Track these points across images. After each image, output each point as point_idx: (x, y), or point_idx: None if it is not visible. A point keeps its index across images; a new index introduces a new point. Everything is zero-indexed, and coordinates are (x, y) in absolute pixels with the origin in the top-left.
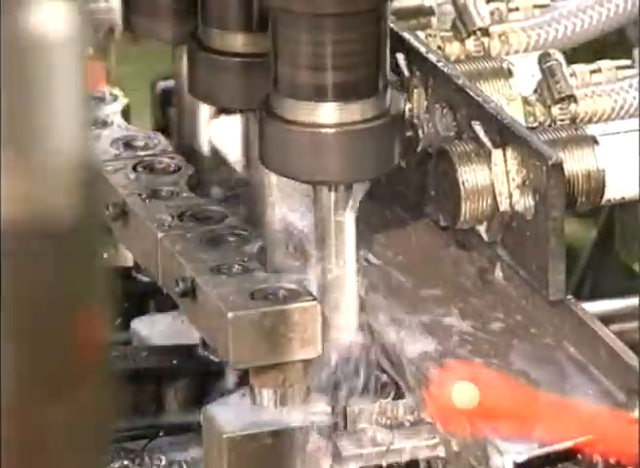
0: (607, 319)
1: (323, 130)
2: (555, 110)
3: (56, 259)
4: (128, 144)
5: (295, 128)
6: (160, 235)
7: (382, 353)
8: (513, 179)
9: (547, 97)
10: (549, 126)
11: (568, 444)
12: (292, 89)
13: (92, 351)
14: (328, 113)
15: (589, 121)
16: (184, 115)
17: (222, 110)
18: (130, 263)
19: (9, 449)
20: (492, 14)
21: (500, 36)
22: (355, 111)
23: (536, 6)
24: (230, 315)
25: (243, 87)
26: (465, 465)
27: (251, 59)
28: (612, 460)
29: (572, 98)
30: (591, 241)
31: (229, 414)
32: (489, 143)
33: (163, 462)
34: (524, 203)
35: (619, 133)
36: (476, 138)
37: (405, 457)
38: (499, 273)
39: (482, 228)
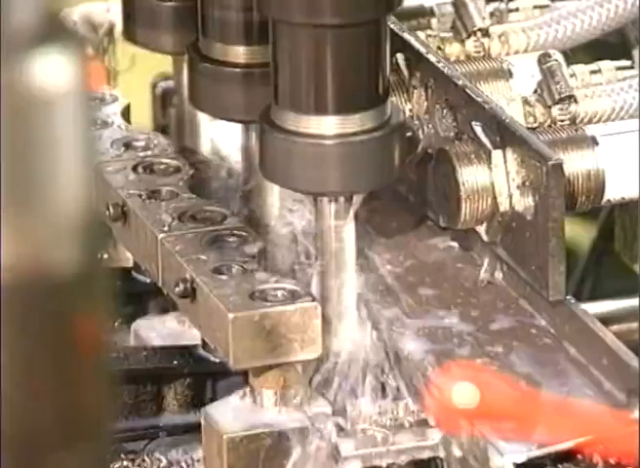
0: (607, 319)
1: (323, 141)
2: (555, 111)
3: (57, 311)
4: (128, 145)
5: (295, 139)
6: (160, 236)
7: (382, 353)
8: (513, 180)
9: (547, 97)
10: (549, 126)
11: (568, 444)
12: (292, 100)
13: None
14: (328, 125)
15: (589, 121)
16: (185, 115)
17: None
18: (130, 264)
19: None
20: (492, 14)
21: (499, 37)
22: (356, 122)
23: (535, 6)
24: (230, 316)
25: (244, 98)
26: (465, 466)
27: (252, 70)
28: (612, 461)
29: (572, 99)
30: (591, 241)
31: (229, 415)
32: (489, 144)
33: (163, 463)
34: (524, 203)
35: (618, 133)
36: (476, 139)
37: (405, 458)
38: (499, 274)
39: (482, 229)
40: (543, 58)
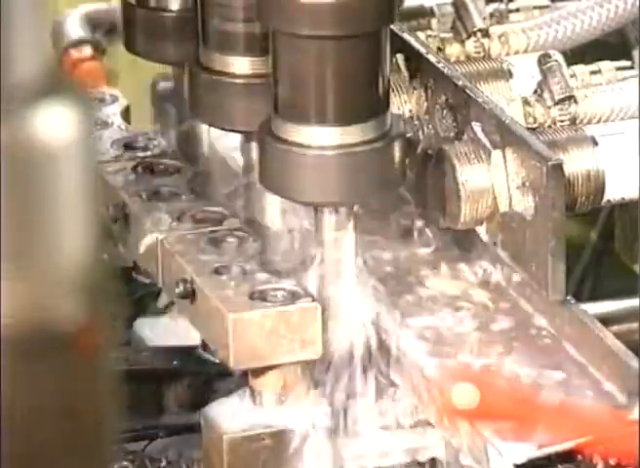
0: (607, 320)
1: (324, 152)
2: (555, 111)
3: (59, 367)
4: (128, 145)
5: (295, 150)
6: (160, 236)
7: (383, 354)
8: (513, 180)
9: (547, 97)
10: (549, 127)
11: (568, 445)
12: (292, 111)
13: None
14: (329, 135)
15: (589, 122)
16: (184, 115)
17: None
18: (130, 264)
19: None
20: (492, 15)
21: (499, 37)
22: (356, 133)
23: (535, 7)
24: (230, 316)
25: (244, 108)
26: (465, 466)
27: (252, 81)
28: (612, 461)
29: (572, 99)
30: (591, 241)
31: (229, 415)
32: (489, 144)
33: (163, 463)
34: (524, 203)
35: (618, 133)
36: (476, 139)
37: (405, 458)
38: (499, 274)
39: (482, 229)
40: (543, 59)
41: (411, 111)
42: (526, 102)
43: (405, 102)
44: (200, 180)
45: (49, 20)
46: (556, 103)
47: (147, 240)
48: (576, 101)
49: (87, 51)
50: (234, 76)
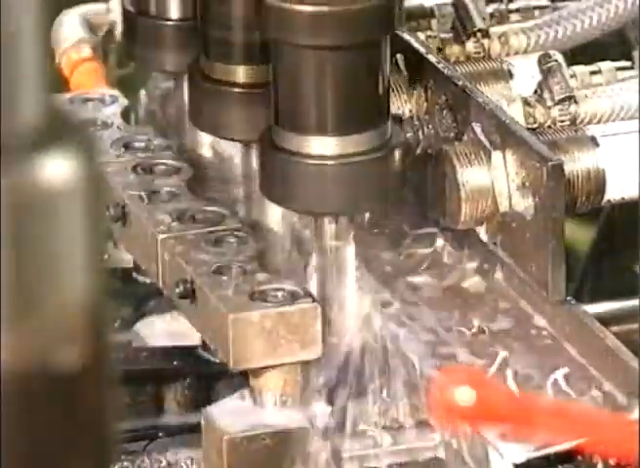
0: (607, 320)
1: (323, 161)
2: (555, 111)
3: (60, 411)
4: (128, 146)
5: (295, 159)
6: (160, 236)
7: (383, 354)
8: (513, 180)
9: (547, 98)
10: (549, 127)
11: (568, 445)
12: (292, 120)
13: None
14: (329, 145)
15: (589, 122)
16: (184, 116)
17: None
18: (130, 265)
19: None
20: (492, 15)
21: (499, 37)
22: (357, 143)
23: (535, 7)
24: (230, 316)
25: (244, 118)
26: (465, 467)
27: (252, 90)
28: (612, 462)
29: (572, 100)
30: (591, 241)
31: (229, 416)
32: (489, 144)
33: (163, 463)
34: (524, 204)
35: (618, 134)
36: (476, 140)
37: (405, 459)
38: (499, 274)
39: (482, 229)
40: (544, 59)
41: (411, 111)
42: (526, 103)
43: (405, 103)
44: (200, 180)
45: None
46: (556, 104)
47: None
48: (576, 102)
49: (86, 51)
50: (234, 85)
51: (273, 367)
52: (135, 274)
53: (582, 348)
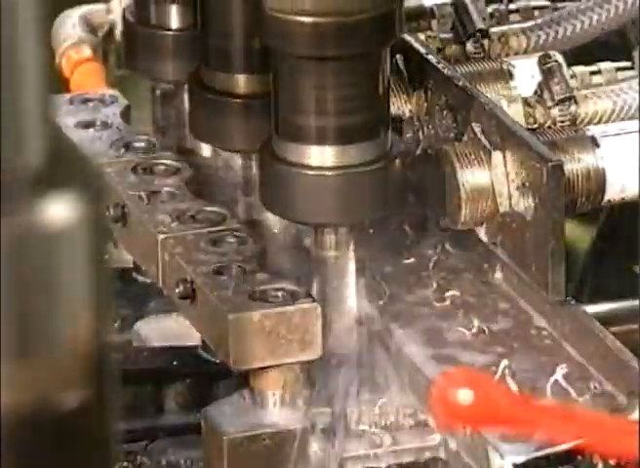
0: (607, 320)
1: (323, 172)
2: (555, 112)
3: (60, 447)
4: (128, 146)
5: (295, 170)
6: (160, 237)
7: (383, 355)
8: (513, 181)
9: (547, 98)
10: (549, 127)
11: (568, 445)
12: (292, 131)
13: None
14: (328, 156)
15: (589, 122)
16: (184, 117)
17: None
18: (130, 265)
19: None
20: (492, 15)
21: (499, 38)
22: (357, 154)
23: (535, 7)
24: (230, 316)
25: (244, 128)
26: (465, 467)
27: (252, 101)
28: (612, 462)
29: (572, 100)
30: (591, 241)
31: (229, 416)
32: (489, 145)
33: (163, 464)
34: (524, 204)
35: (618, 134)
36: (476, 140)
37: (405, 459)
38: (499, 274)
39: (482, 229)
40: (544, 59)
41: (411, 112)
42: (526, 103)
43: (405, 103)
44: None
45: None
46: (556, 104)
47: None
48: (576, 102)
49: (86, 51)
50: (234, 95)
51: (273, 367)
52: (135, 274)
53: (582, 348)
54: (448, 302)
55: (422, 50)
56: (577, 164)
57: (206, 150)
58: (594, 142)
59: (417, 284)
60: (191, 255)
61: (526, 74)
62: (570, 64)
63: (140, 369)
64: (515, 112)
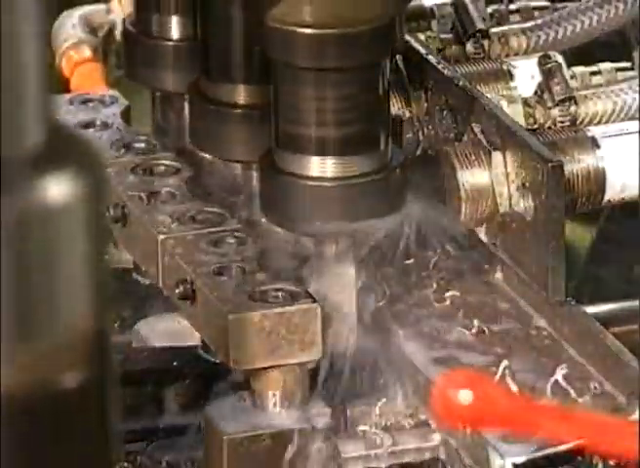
0: (607, 321)
1: (323, 183)
2: (555, 112)
3: (60, 429)
4: (128, 146)
5: (295, 181)
6: (160, 237)
7: (383, 355)
8: (513, 181)
9: (547, 98)
10: (549, 128)
11: (568, 446)
12: (292, 142)
13: None
14: (328, 167)
15: (589, 123)
16: (184, 117)
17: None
18: (130, 265)
19: None
20: (492, 16)
21: (499, 38)
22: (357, 165)
23: (535, 8)
24: (230, 317)
25: (244, 139)
26: (465, 467)
27: (252, 111)
28: (612, 462)
29: (572, 100)
30: (591, 241)
31: (229, 416)
32: (489, 145)
33: (163, 464)
34: (524, 204)
35: (618, 134)
36: (476, 140)
37: (405, 459)
38: (499, 274)
39: (482, 230)
40: (544, 60)
41: (411, 112)
42: (526, 103)
43: (405, 104)
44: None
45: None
46: (556, 104)
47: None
48: (576, 102)
49: (86, 52)
50: (234, 106)
51: (273, 367)
52: (135, 274)
53: (582, 349)
54: (448, 303)
55: (422, 50)
56: (577, 164)
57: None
58: (594, 143)
59: (417, 284)
60: (191, 256)
61: (526, 74)
62: (570, 65)
63: (140, 369)
64: (515, 112)
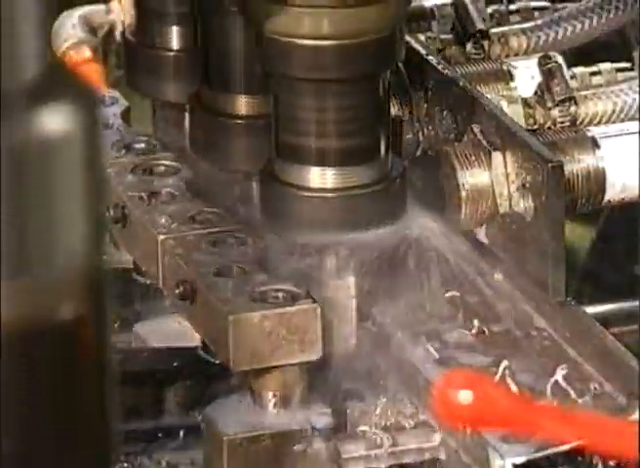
0: (607, 321)
1: (323, 194)
2: (555, 112)
3: (57, 361)
4: (128, 147)
5: (295, 192)
6: (160, 237)
7: (383, 355)
8: (513, 182)
9: (547, 99)
10: (549, 128)
11: (568, 446)
12: (292, 153)
13: None
14: (328, 178)
15: (589, 123)
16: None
17: None
18: (130, 265)
19: None
20: (492, 16)
21: (499, 39)
22: (357, 175)
23: (535, 8)
24: (230, 317)
25: (244, 149)
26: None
27: (253, 121)
28: (612, 463)
29: (572, 101)
30: (591, 242)
31: (229, 416)
32: (489, 146)
33: (163, 464)
34: (524, 205)
35: (618, 134)
36: (476, 141)
37: (405, 460)
38: (499, 274)
39: (482, 230)
40: (544, 60)
41: (411, 113)
42: (526, 104)
43: (405, 104)
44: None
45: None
46: (556, 105)
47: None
48: (576, 103)
49: (86, 52)
50: (235, 116)
51: (273, 368)
52: (135, 275)
53: (582, 349)
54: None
55: (423, 51)
56: (577, 164)
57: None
58: (594, 143)
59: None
60: (191, 256)
61: (526, 75)
62: (570, 65)
63: (140, 370)
64: (515, 113)
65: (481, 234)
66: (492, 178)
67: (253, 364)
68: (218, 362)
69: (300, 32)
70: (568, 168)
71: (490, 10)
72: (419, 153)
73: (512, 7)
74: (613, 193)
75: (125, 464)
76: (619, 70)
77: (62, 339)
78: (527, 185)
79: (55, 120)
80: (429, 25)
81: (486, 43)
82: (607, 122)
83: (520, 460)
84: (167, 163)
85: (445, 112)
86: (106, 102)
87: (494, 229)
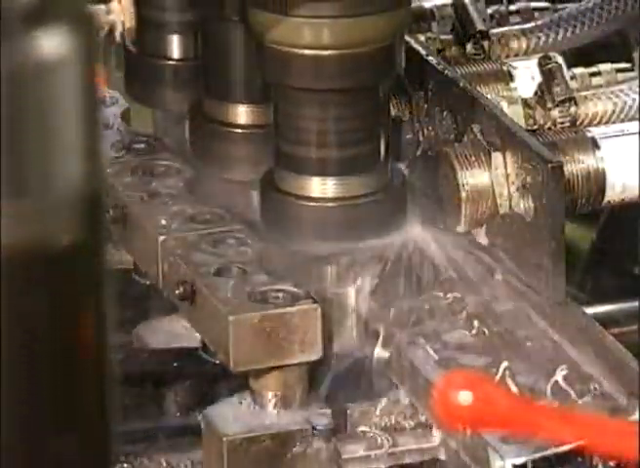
0: (607, 322)
1: (324, 204)
2: (555, 113)
3: (56, 285)
4: (128, 147)
5: (295, 201)
6: (160, 238)
7: (383, 355)
8: (513, 182)
9: (547, 99)
10: (549, 128)
11: (568, 447)
12: (292, 162)
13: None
14: (328, 187)
15: (589, 123)
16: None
17: None
18: (130, 266)
19: None
20: (492, 17)
21: (499, 39)
22: (357, 185)
23: (535, 9)
24: (230, 318)
25: (245, 158)
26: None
27: (253, 131)
28: (612, 463)
29: (572, 101)
30: (591, 242)
31: (229, 417)
32: (489, 146)
33: (163, 464)
34: (524, 205)
35: (618, 135)
36: (476, 141)
37: (405, 460)
38: (499, 275)
39: (482, 231)
40: (544, 61)
41: (411, 113)
42: (526, 104)
43: (405, 104)
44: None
45: None
46: (556, 105)
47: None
48: (576, 103)
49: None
50: (235, 126)
51: (273, 368)
52: (135, 275)
53: (582, 349)
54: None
55: (423, 51)
56: (577, 165)
57: None
58: (594, 144)
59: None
60: (191, 257)
61: (526, 75)
62: (570, 66)
63: (140, 370)
64: (515, 113)
65: (481, 234)
66: (492, 179)
67: (253, 364)
68: (218, 362)
69: (300, 42)
70: (568, 168)
71: (490, 10)
72: (419, 153)
73: (512, 7)
74: (613, 193)
75: (125, 464)
76: (618, 71)
77: (61, 263)
78: (527, 186)
79: (52, 43)
80: (429, 26)
81: (486, 43)
82: (607, 122)
83: (520, 461)
84: (167, 163)
85: (445, 112)
86: (106, 102)
87: (494, 229)
